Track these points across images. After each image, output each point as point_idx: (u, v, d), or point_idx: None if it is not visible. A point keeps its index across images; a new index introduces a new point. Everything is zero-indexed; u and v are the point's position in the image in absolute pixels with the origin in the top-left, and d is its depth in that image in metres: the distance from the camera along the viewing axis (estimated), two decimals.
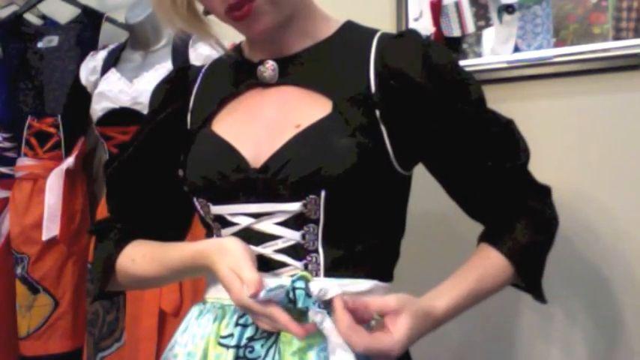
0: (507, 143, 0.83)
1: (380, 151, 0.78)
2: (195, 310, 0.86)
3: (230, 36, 0.92)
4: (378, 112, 0.78)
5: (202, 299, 0.87)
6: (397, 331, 0.70)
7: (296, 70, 0.83)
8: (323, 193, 0.75)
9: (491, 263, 0.82)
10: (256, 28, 0.78)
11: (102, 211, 1.59)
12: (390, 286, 0.83)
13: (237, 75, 0.88)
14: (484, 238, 0.86)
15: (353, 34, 0.85)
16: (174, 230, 0.98)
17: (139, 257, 0.89)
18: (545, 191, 0.88)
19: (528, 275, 0.85)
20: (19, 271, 1.70)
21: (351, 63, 0.81)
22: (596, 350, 1.20)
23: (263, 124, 0.82)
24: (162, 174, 0.94)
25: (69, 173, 1.71)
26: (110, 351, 1.52)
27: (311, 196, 0.76)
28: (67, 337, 1.69)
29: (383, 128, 0.78)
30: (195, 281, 1.37)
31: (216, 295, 0.83)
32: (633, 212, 1.16)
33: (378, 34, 0.83)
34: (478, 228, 0.88)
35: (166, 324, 1.40)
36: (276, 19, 0.78)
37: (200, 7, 0.83)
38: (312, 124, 0.77)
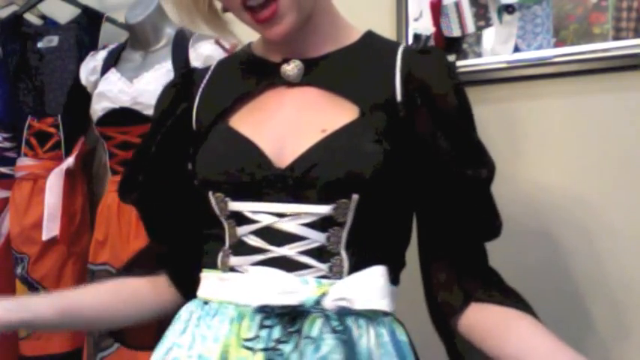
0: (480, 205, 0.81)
1: (401, 158, 0.78)
2: (193, 311, 0.83)
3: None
4: (401, 120, 0.79)
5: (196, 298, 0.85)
6: None
7: (321, 72, 0.83)
8: (354, 197, 0.76)
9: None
10: (278, 30, 0.78)
11: (102, 211, 1.59)
12: (397, 289, 0.84)
13: (253, 73, 0.87)
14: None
15: (376, 44, 0.86)
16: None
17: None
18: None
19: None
20: (19, 271, 1.70)
21: (376, 70, 0.82)
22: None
23: (285, 124, 0.81)
24: (179, 183, 0.90)
25: (69, 173, 1.70)
26: (110, 351, 1.51)
27: (342, 200, 0.76)
28: (67, 337, 1.68)
29: (404, 135, 0.79)
30: None
31: (219, 296, 0.81)
32: (633, 212, 1.16)
33: (401, 47, 0.85)
34: None
35: None
36: (297, 20, 0.78)
37: (219, 5, 0.83)
38: (340, 128, 0.77)
